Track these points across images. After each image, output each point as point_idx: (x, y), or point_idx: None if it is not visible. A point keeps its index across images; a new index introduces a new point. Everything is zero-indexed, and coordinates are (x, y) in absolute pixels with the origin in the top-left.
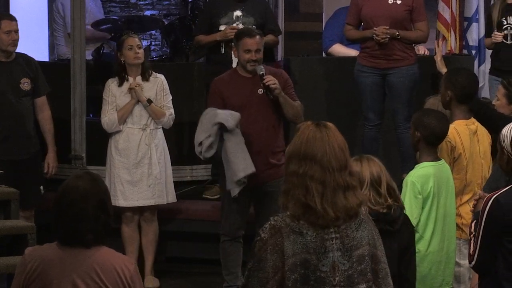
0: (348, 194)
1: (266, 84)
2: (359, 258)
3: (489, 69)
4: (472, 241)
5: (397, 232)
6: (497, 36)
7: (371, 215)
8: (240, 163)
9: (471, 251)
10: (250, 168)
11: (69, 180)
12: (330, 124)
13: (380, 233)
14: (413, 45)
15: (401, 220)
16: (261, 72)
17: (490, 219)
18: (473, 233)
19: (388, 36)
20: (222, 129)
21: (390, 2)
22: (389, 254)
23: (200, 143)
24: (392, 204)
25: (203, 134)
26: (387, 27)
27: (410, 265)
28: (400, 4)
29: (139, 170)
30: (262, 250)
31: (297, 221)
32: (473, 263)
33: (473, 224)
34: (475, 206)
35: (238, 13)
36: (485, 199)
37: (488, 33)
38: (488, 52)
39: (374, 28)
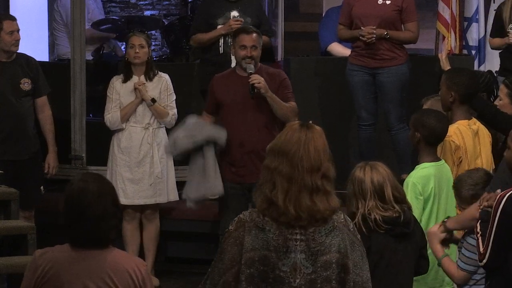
0: (316, 197)
1: (251, 82)
2: (325, 264)
3: (498, 70)
4: (480, 240)
5: (412, 232)
6: None
7: (386, 222)
8: (212, 182)
9: (481, 250)
10: (220, 189)
11: (77, 184)
12: (316, 127)
13: (398, 237)
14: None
15: (413, 220)
16: (250, 71)
17: (504, 216)
18: (480, 232)
19: (375, 36)
20: (208, 144)
21: (380, 2)
22: (404, 256)
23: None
24: (401, 207)
25: (182, 133)
26: (374, 27)
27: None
28: (389, 4)
29: (141, 169)
30: (225, 242)
31: (262, 216)
32: (484, 261)
33: (478, 224)
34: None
35: (234, 13)
36: (497, 197)
37: (497, 33)
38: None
39: (361, 28)
